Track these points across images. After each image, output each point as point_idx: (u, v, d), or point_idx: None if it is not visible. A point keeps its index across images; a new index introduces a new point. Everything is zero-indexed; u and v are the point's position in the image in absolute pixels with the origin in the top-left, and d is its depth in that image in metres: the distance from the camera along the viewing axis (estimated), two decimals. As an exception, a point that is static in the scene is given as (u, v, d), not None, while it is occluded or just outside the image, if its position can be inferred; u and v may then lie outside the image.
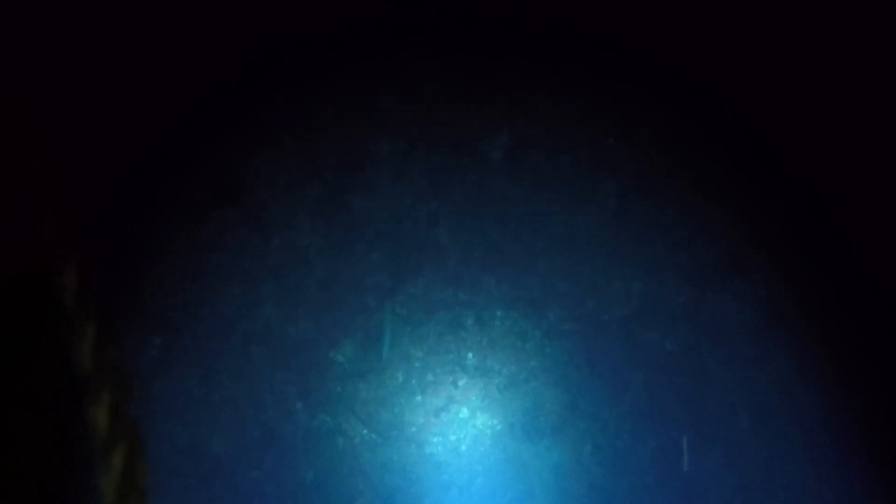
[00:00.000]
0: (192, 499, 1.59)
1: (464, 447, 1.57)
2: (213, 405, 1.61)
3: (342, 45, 1.73)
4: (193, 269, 1.67)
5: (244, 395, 1.61)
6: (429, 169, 1.68)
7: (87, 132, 1.68)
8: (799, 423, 1.60)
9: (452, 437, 1.57)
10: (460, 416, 1.58)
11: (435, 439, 1.57)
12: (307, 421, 1.58)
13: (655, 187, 1.67)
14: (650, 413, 1.59)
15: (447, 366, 1.60)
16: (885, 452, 1.59)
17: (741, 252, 1.67)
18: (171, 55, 1.66)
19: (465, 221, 1.65)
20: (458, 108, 1.71)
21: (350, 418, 1.58)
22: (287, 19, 1.72)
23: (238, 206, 1.69)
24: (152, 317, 1.66)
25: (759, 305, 1.65)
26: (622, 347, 1.62)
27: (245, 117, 1.73)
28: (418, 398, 1.59)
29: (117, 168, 1.74)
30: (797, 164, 1.69)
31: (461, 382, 1.59)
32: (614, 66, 1.70)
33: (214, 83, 1.74)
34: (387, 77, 1.73)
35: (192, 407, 1.62)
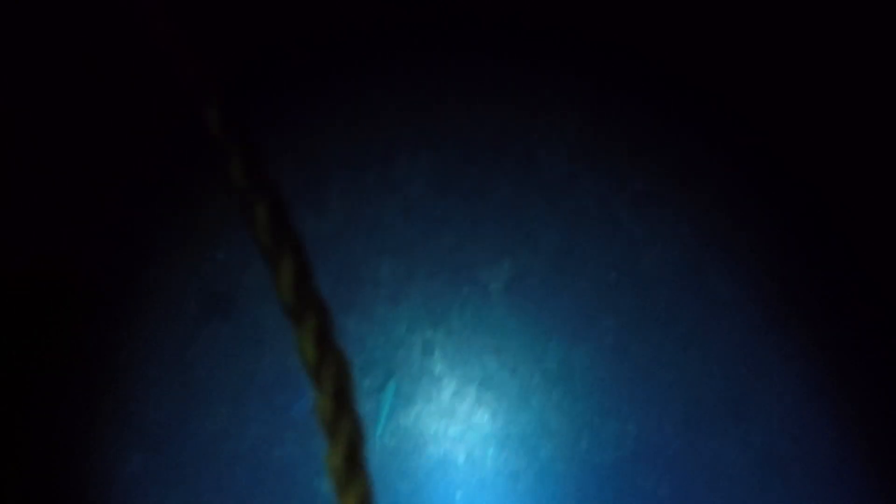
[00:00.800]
0: None
1: (447, 592, 1.52)
2: (190, 529, 1.56)
3: (345, 161, 1.72)
4: (180, 383, 1.63)
5: (224, 520, 1.56)
6: (427, 295, 1.65)
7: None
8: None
9: (436, 581, 1.52)
10: (445, 558, 1.53)
11: (418, 582, 1.52)
12: (287, 553, 1.53)
13: (655, 325, 1.65)
14: (641, 564, 1.54)
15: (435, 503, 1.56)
16: None
17: (740, 396, 1.64)
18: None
19: (460, 352, 1.62)
20: (460, 234, 1.69)
21: (331, 553, 1.52)
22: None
23: (230, 321, 1.66)
24: (134, 432, 1.61)
25: (757, 452, 1.61)
26: (615, 491, 1.58)
27: (239, 230, 1.71)
28: (403, 536, 1.54)
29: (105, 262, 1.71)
30: (806, 308, 1.67)
31: (448, 522, 1.55)
32: (617, 196, 1.69)
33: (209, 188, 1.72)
34: (390, 196, 1.71)
35: (169, 530, 1.57)
